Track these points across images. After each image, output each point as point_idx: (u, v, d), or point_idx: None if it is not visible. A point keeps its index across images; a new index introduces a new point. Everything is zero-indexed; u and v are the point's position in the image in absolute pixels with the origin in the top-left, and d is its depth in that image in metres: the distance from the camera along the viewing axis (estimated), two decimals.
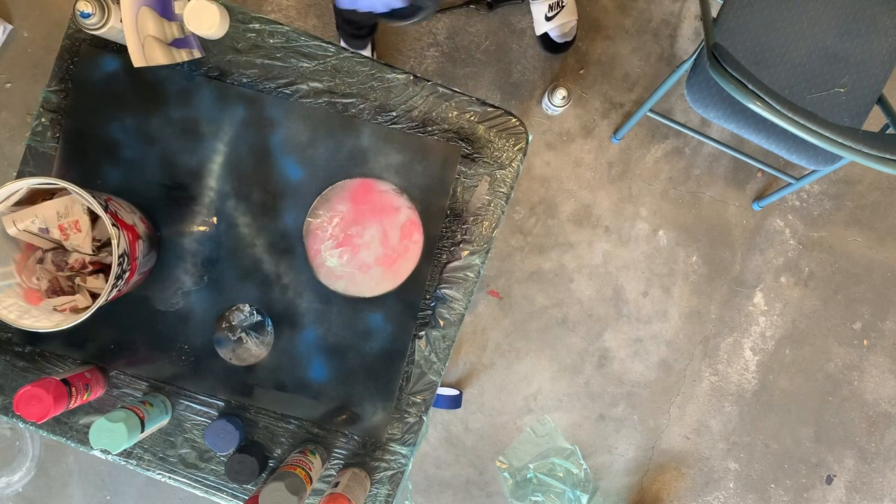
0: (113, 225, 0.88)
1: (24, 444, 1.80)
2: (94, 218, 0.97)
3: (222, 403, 1.07)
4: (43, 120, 1.05)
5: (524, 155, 1.06)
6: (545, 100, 1.70)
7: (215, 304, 1.06)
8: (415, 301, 1.06)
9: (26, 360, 1.07)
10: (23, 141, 1.77)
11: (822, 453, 1.81)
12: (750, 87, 1.02)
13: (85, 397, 1.00)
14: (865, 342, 1.80)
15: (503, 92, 1.75)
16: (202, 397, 1.07)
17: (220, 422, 1.02)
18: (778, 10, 1.29)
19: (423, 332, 1.07)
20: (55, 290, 0.98)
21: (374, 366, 1.07)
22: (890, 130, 1.32)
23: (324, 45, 1.04)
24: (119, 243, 0.88)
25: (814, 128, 1.01)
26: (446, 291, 1.06)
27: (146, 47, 0.95)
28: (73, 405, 0.98)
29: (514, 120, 1.05)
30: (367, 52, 1.64)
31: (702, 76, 1.30)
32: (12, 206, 0.94)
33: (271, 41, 1.04)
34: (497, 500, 1.81)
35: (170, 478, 1.08)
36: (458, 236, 1.06)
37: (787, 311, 1.80)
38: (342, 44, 1.63)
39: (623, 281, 1.78)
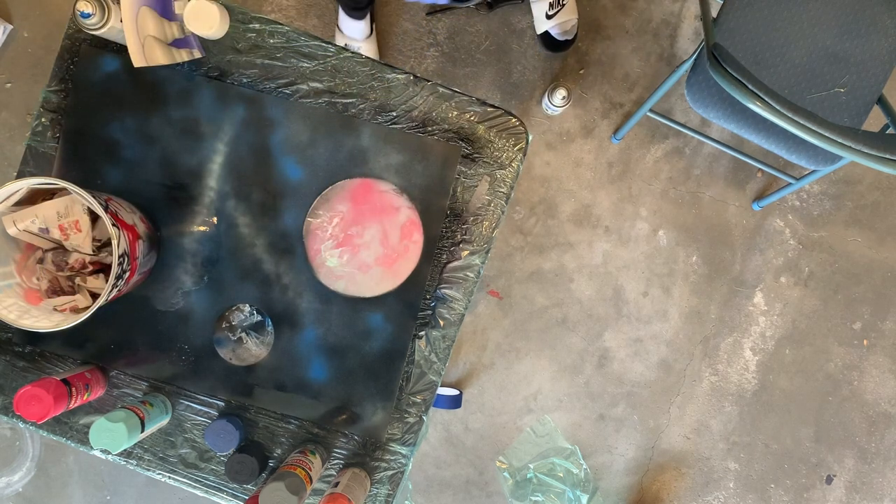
0: (113, 225, 0.88)
1: (24, 444, 1.80)
2: (94, 218, 0.97)
3: (222, 403, 1.07)
4: (43, 120, 1.05)
5: (524, 155, 1.06)
6: (545, 100, 1.70)
7: (215, 304, 1.06)
8: (415, 301, 1.06)
9: (26, 360, 1.07)
10: (23, 141, 1.77)
11: (822, 453, 1.81)
12: (750, 87, 1.02)
13: (85, 397, 1.00)
14: (865, 342, 1.80)
15: (503, 92, 1.75)
16: (202, 397, 1.07)
17: (220, 422, 1.02)
18: (778, 10, 1.29)
19: (423, 332, 1.07)
20: (55, 290, 0.98)
21: (374, 366, 1.07)
22: (890, 130, 1.32)
23: (324, 45, 1.04)
24: (119, 243, 0.88)
25: (814, 128, 1.01)
26: (446, 291, 1.06)
27: (146, 47, 0.95)
28: (73, 405, 0.98)
29: (514, 120, 1.05)
30: (366, 24, 1.64)
31: (702, 76, 1.30)
32: (12, 206, 0.94)
33: (271, 41, 1.04)
34: (497, 500, 1.81)
35: (170, 478, 1.08)
36: (458, 236, 1.06)
37: (787, 311, 1.80)
38: (341, 19, 1.64)
39: (623, 281, 1.78)
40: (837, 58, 1.31)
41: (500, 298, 1.78)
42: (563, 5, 1.66)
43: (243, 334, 1.07)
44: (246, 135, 1.05)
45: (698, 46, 1.34)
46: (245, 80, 1.05)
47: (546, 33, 1.70)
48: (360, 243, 1.06)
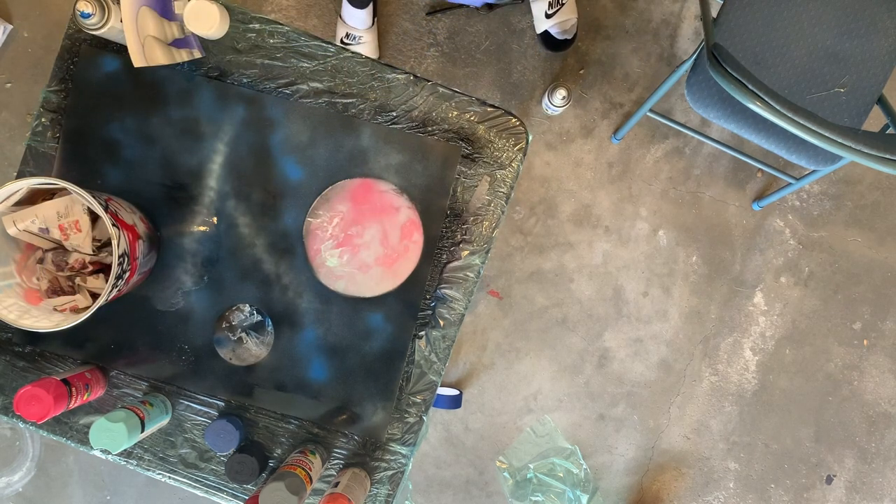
0: (113, 225, 0.88)
1: (24, 444, 1.80)
2: (94, 218, 0.97)
3: (222, 403, 1.07)
4: (43, 120, 1.05)
5: (524, 155, 1.06)
6: (545, 100, 1.70)
7: (215, 304, 1.06)
8: (415, 301, 1.06)
9: (26, 360, 1.07)
10: (23, 141, 1.77)
11: (822, 453, 1.81)
12: (750, 87, 1.02)
13: (85, 397, 1.00)
14: (865, 342, 1.80)
15: (503, 92, 1.75)
16: (202, 397, 1.07)
17: (220, 422, 1.02)
18: (778, 10, 1.29)
19: (423, 332, 1.07)
20: (55, 290, 0.98)
21: (374, 366, 1.07)
22: (890, 130, 1.32)
23: (324, 45, 1.04)
24: (119, 243, 0.88)
25: (814, 128, 1.01)
26: (446, 291, 1.06)
27: (146, 47, 0.95)
28: (73, 405, 0.98)
29: (514, 120, 1.05)
30: (368, 14, 1.64)
31: (702, 76, 1.30)
32: (12, 206, 0.94)
33: (271, 41, 1.04)
34: (497, 500, 1.81)
35: (170, 478, 1.08)
36: (458, 236, 1.06)
37: (787, 311, 1.80)
38: (344, 8, 1.64)
39: (623, 281, 1.78)
40: (837, 58, 1.31)
41: (500, 298, 1.78)
42: (563, 4, 1.66)
43: (243, 334, 1.07)
44: (246, 135, 1.05)
45: (698, 46, 1.34)
46: (245, 80, 1.05)
47: (546, 32, 1.70)
48: (360, 243, 1.06)
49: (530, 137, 1.06)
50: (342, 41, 1.68)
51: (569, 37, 1.70)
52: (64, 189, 0.94)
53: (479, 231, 1.06)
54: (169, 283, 1.06)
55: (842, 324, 1.80)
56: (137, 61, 0.95)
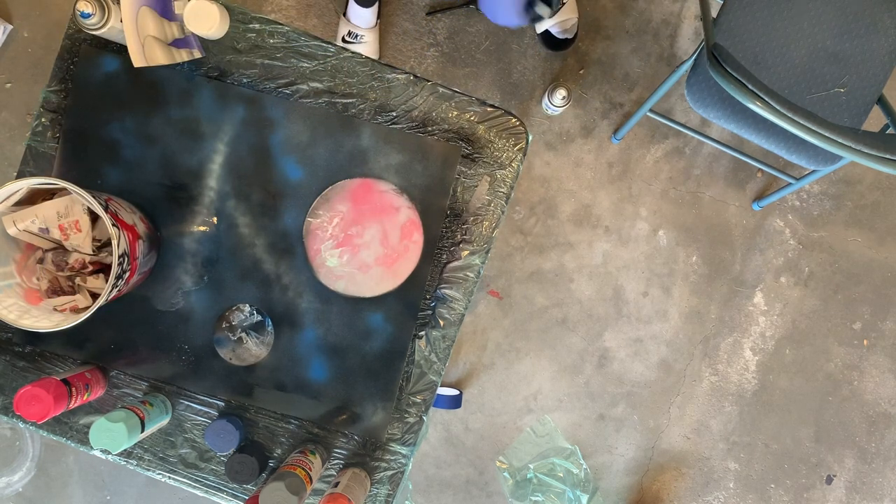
0: (113, 225, 0.88)
1: (24, 444, 1.80)
2: (94, 218, 0.97)
3: (222, 403, 1.07)
4: (43, 120, 1.05)
5: (524, 155, 1.06)
6: (545, 100, 1.70)
7: (215, 304, 1.06)
8: (415, 301, 1.06)
9: (26, 360, 1.07)
10: (23, 141, 1.77)
11: (822, 453, 1.81)
12: (750, 87, 1.02)
13: (85, 397, 1.00)
14: (865, 342, 1.80)
15: (503, 92, 1.75)
16: (202, 397, 1.07)
17: (220, 422, 1.02)
18: (778, 10, 1.29)
19: (423, 332, 1.07)
20: (55, 290, 0.98)
21: (374, 366, 1.07)
22: (890, 130, 1.32)
23: (324, 45, 1.04)
24: (119, 243, 0.88)
25: (814, 128, 1.01)
26: (446, 291, 1.06)
27: (146, 47, 0.95)
28: (73, 405, 0.98)
29: (514, 120, 1.05)
30: (373, 14, 1.64)
31: (702, 76, 1.30)
32: (12, 206, 0.94)
33: (271, 41, 1.04)
34: (497, 500, 1.81)
35: (170, 478, 1.08)
36: (458, 236, 1.06)
37: (787, 311, 1.80)
38: (349, 7, 1.64)
39: (623, 281, 1.78)
40: (837, 58, 1.31)
41: (500, 298, 1.78)
42: (563, 4, 1.66)
43: (243, 334, 1.07)
44: (246, 135, 1.05)
45: (698, 46, 1.34)
46: (245, 80, 1.05)
47: (546, 32, 1.70)
48: (360, 243, 1.06)
49: (530, 137, 1.06)
50: (343, 39, 1.68)
51: (569, 36, 1.70)
52: (64, 189, 0.94)
53: (479, 231, 1.06)
54: (169, 283, 1.06)
55: (842, 324, 1.80)
56: (137, 61, 0.95)
